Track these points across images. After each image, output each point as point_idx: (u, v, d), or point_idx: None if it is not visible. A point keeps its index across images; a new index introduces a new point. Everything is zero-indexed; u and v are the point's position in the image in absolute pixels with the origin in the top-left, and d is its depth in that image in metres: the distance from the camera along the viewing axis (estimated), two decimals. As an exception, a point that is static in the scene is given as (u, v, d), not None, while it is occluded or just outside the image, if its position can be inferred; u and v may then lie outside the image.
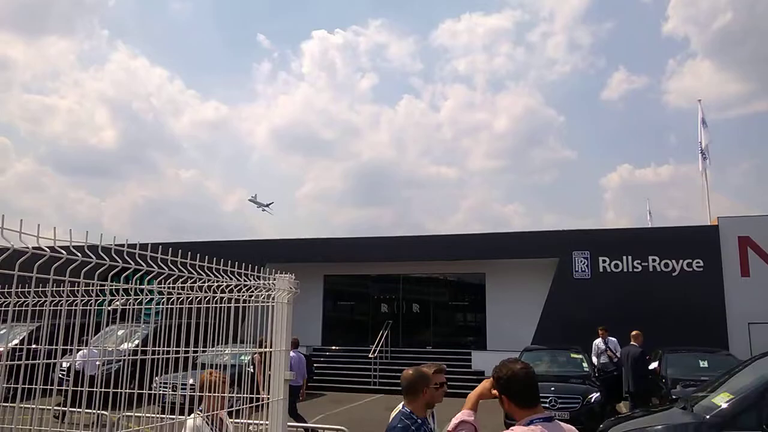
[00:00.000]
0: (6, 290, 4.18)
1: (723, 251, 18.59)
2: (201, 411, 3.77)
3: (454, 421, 2.92)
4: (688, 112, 55.95)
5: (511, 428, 2.55)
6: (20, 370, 3.96)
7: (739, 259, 18.42)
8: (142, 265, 3.04)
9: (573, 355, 14.61)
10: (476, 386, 3.03)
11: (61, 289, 3.96)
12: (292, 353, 5.32)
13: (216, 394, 3.71)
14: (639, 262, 19.28)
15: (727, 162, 53.18)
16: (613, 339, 14.53)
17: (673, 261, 18.99)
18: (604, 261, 19.57)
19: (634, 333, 12.53)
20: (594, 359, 14.61)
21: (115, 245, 2.84)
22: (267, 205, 39.77)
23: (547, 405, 11.89)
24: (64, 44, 62.53)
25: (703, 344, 14.90)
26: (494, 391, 2.73)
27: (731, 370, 8.58)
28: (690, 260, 18.87)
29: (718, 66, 56.29)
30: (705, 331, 17.04)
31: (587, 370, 13.89)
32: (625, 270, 19.36)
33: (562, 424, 2.62)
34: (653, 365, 13.20)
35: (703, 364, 13.22)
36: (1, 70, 59.24)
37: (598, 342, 14.64)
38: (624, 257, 19.41)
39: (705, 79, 57.00)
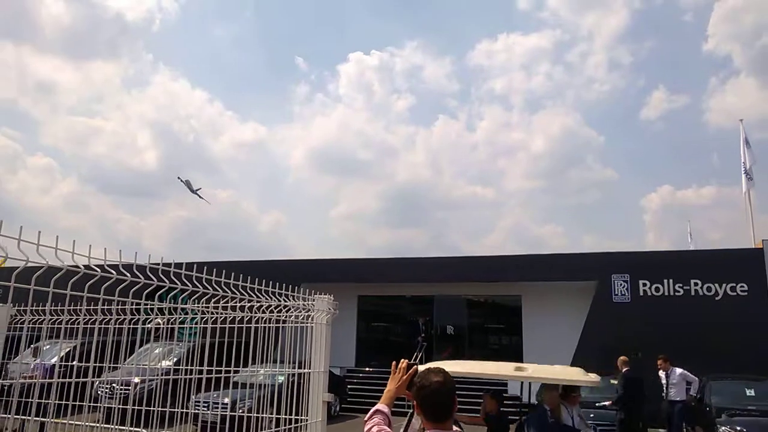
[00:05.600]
0: (59, 308, 4.28)
1: (769, 275, 18.02)
2: None
3: (372, 409, 2.89)
4: (731, 131, 54.61)
5: None
6: (59, 387, 4.02)
7: (786, 283, 17.82)
8: (176, 284, 3.07)
9: (613, 382, 14.22)
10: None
11: (104, 307, 4.03)
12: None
13: None
14: (680, 285, 18.79)
15: (772, 183, 51.65)
16: (681, 370, 13.03)
17: (716, 285, 18.46)
18: (644, 284, 19.12)
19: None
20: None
21: (151, 264, 2.88)
22: (196, 190, 39.12)
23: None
24: (110, 68, 64.47)
25: (749, 371, 14.38)
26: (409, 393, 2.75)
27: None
28: (734, 284, 18.31)
29: (763, 83, 55.02)
30: (750, 357, 16.43)
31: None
32: (666, 294, 18.88)
33: None
34: (693, 392, 12.80)
35: (750, 392, 12.75)
36: (49, 94, 61.20)
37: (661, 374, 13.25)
38: (665, 280, 18.94)
39: (748, 97, 55.70)
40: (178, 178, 39.10)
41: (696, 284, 18.65)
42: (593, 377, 6.93)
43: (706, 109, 56.97)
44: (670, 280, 18.89)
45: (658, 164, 56.53)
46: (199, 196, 38.87)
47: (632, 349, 16.43)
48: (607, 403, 12.75)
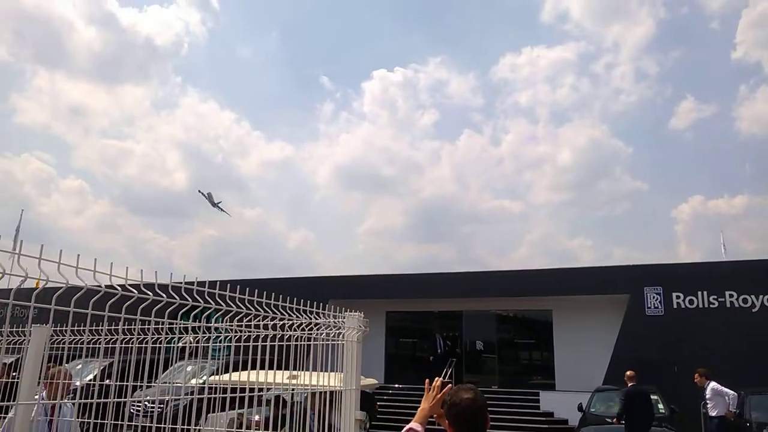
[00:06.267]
0: (94, 328, 4.36)
1: (807, 286, 17.56)
2: None
3: (405, 428, 2.87)
4: (763, 139, 53.59)
5: None
6: (94, 405, 4.08)
7: (825, 294, 17.35)
8: (210, 304, 3.12)
9: (648, 396, 13.95)
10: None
11: (141, 327, 4.10)
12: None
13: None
14: (715, 297, 18.40)
15: (807, 191, 50.36)
16: (715, 385, 12.59)
17: (752, 296, 18.04)
18: (678, 297, 18.77)
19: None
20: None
21: (185, 284, 2.93)
22: (217, 203, 39.47)
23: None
24: (140, 91, 65.89)
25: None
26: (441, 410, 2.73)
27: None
28: (771, 295, 17.89)
29: (794, 91, 53.87)
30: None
31: (663, 411, 13.24)
32: (701, 306, 18.51)
33: None
34: (731, 407, 12.46)
35: (792, 407, 12.37)
36: (82, 117, 62.70)
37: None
38: (699, 293, 18.57)
39: (780, 105, 54.59)
40: (199, 191, 39.82)
41: (731, 296, 18.25)
42: (369, 382, 6.98)
43: (737, 118, 56.00)
44: (705, 292, 18.52)
45: (688, 174, 55.63)
46: (221, 209, 39.43)
47: (667, 363, 16.17)
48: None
